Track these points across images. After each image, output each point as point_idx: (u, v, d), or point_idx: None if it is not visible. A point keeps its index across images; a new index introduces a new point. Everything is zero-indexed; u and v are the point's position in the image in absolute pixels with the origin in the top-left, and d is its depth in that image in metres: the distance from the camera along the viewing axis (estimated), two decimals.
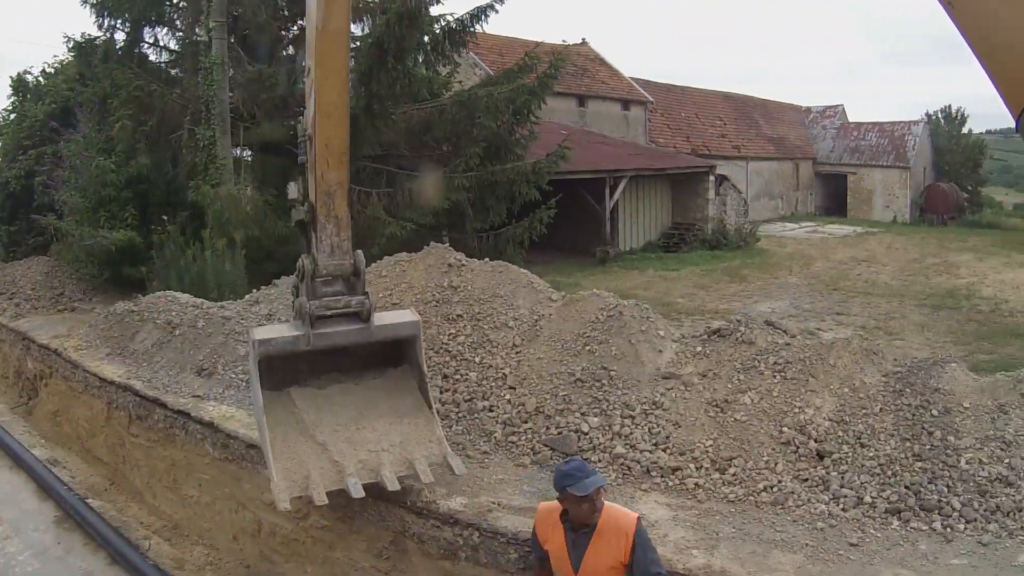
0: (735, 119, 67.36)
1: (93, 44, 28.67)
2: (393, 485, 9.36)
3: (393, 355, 10.47)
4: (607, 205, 39.68)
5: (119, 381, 15.34)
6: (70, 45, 29.54)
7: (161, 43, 30.02)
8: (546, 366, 11.80)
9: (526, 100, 26.04)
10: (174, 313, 16.83)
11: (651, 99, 56.24)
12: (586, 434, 10.69)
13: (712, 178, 46.81)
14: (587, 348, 11.78)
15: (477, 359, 12.29)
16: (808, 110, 79.20)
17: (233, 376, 14.28)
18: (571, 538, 7.06)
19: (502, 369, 12.05)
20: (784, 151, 69.75)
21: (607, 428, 10.66)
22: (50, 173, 27.67)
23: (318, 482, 9.19)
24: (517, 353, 12.26)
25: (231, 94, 24.93)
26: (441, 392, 11.89)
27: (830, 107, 78.22)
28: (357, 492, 9.21)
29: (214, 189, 23.36)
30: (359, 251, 9.71)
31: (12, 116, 35.95)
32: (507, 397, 11.63)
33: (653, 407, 10.76)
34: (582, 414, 10.94)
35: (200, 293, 19.44)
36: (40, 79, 35.59)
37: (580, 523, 6.99)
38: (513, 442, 11.02)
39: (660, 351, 11.67)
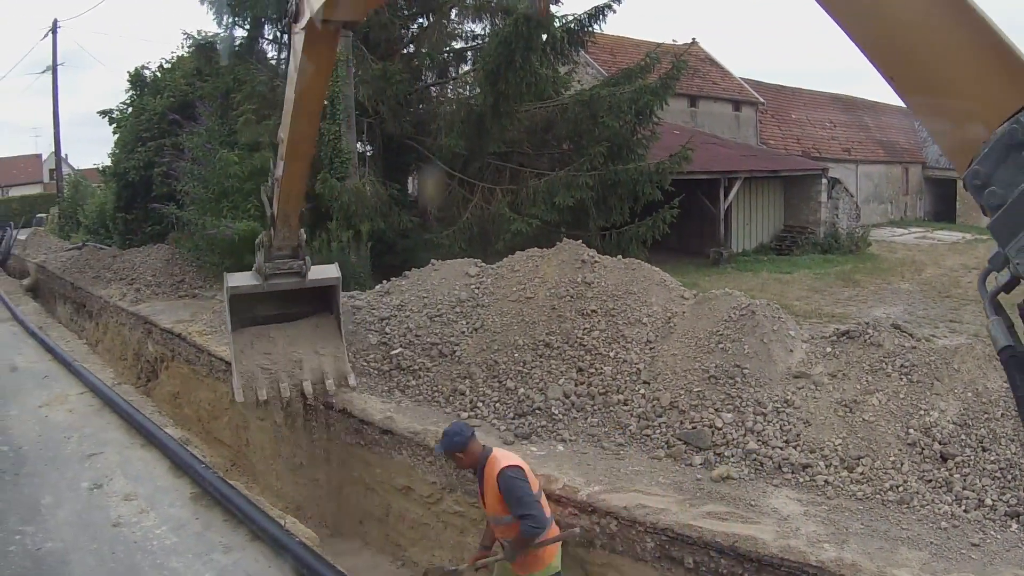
0: (845, 121, 66.12)
1: (212, 41, 29.13)
2: (309, 393, 13.79)
3: (324, 303, 14.81)
4: (721, 206, 39.52)
5: None
6: (189, 42, 30.07)
7: (281, 40, 30.42)
8: (680, 362, 11.89)
9: (648, 101, 25.87)
10: None
11: (762, 100, 55.87)
12: (719, 429, 10.77)
13: (825, 181, 46.00)
14: (720, 346, 11.83)
15: (612, 354, 12.47)
16: None
17: (365, 364, 14.52)
18: (478, 483, 9.14)
19: (636, 364, 12.20)
20: (894, 154, 68.27)
21: (740, 424, 10.75)
22: (171, 164, 28.10)
23: (262, 386, 13.90)
24: (651, 349, 12.40)
25: (355, 90, 25.13)
26: (576, 385, 12.19)
27: None
28: (285, 393, 13.85)
29: (339, 183, 23.59)
30: (303, 230, 14.12)
31: (129, 110, 36.72)
32: (641, 392, 11.77)
33: (785, 405, 10.82)
34: (716, 410, 11.03)
35: None
36: (157, 74, 36.23)
37: (470, 469, 9.33)
38: (648, 435, 11.16)
39: (791, 351, 11.72)
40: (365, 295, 16.75)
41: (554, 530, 9.04)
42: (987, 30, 3.58)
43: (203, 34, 29.55)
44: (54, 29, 61.70)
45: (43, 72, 63.20)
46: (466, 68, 29.92)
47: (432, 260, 16.56)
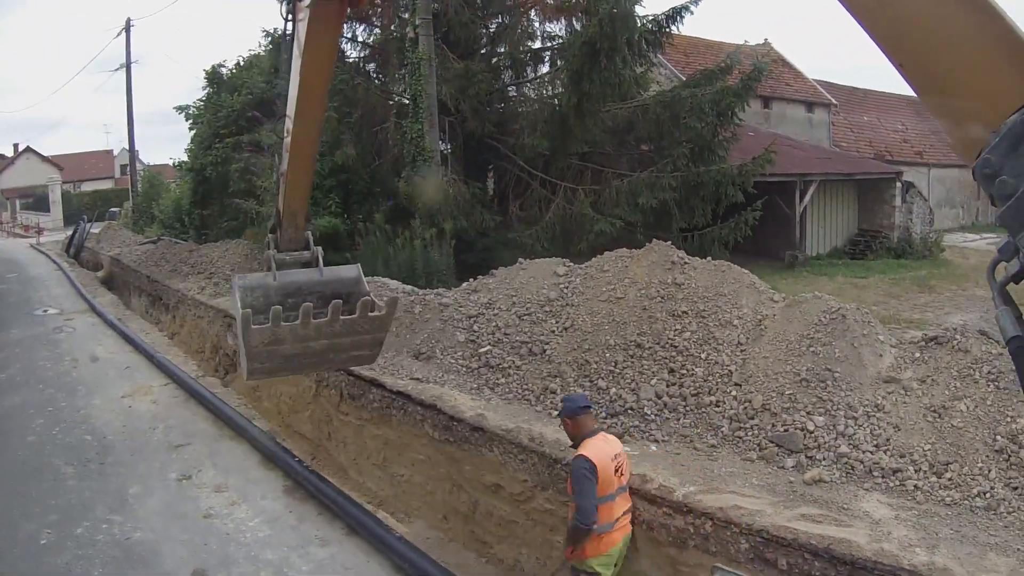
0: (917, 123, 64.77)
1: (285, 40, 29.26)
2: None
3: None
4: (797, 209, 39.41)
5: None
6: (267, 40, 30.35)
7: (359, 39, 30.67)
8: (771, 365, 11.90)
9: (731, 102, 26.21)
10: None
11: (835, 102, 55.60)
12: (811, 432, 10.77)
13: (899, 185, 45.87)
14: (811, 349, 11.80)
15: (703, 355, 12.51)
16: None
17: (452, 361, 14.70)
18: None
19: (728, 366, 12.24)
20: None
21: (831, 428, 10.74)
22: (248, 160, 28.32)
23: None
24: (742, 351, 12.43)
25: (437, 89, 25.27)
26: (668, 386, 12.24)
27: None
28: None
29: (423, 181, 23.75)
30: (309, 231, 13.24)
31: (204, 107, 37.02)
32: (733, 393, 11.81)
33: (875, 409, 10.79)
34: (807, 413, 11.02)
35: (408, 280, 20.25)
36: (233, 72, 36.52)
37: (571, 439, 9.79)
38: (740, 437, 11.20)
39: (880, 355, 11.66)
40: (452, 293, 16.85)
41: (604, 537, 9.30)
42: (997, 18, 3.62)
43: (277, 30, 29.54)
44: (127, 27, 63.11)
45: (116, 70, 64.15)
46: (543, 69, 30.15)
47: (519, 259, 16.59)
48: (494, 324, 14.90)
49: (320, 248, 13.12)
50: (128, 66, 63.03)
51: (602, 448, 9.39)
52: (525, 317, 14.64)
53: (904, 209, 46.09)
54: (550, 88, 28.61)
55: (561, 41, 29.00)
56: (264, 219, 25.96)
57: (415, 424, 13.61)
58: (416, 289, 18.51)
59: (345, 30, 29.44)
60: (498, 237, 25.93)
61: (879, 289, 32.14)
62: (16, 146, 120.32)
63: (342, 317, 11.81)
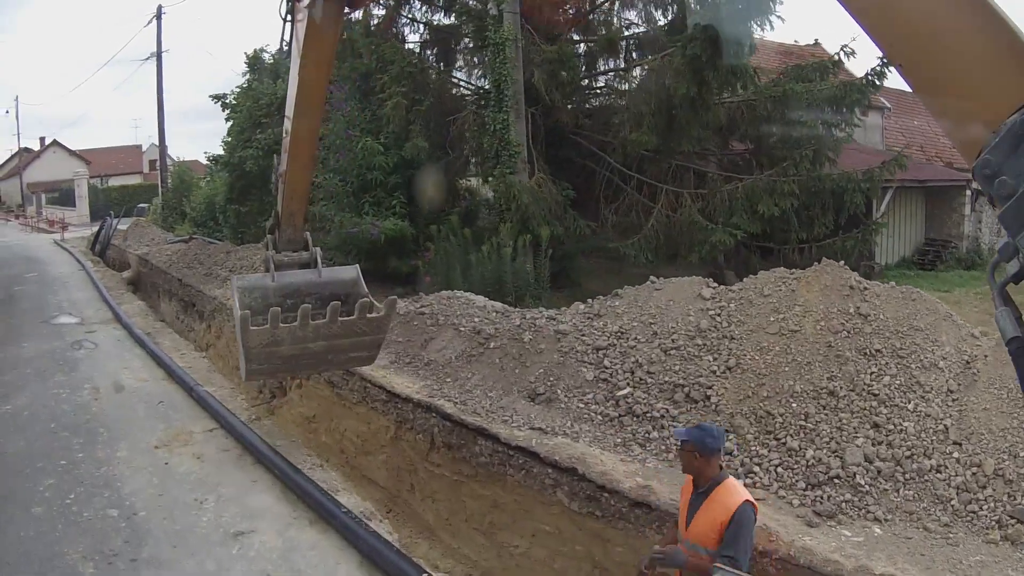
0: None
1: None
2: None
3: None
4: (874, 217, 37.32)
5: (420, 399, 13.51)
6: None
7: (421, 20, 28.35)
8: (995, 419, 9.89)
9: (855, 99, 24.24)
10: (477, 319, 15.02)
11: (888, 105, 53.62)
12: None
13: (969, 192, 43.80)
14: None
15: (910, 406, 10.30)
16: None
17: (581, 406, 12.21)
18: (692, 498, 7.80)
19: (942, 420, 10.10)
20: None
21: None
22: None
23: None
24: (955, 400, 10.32)
25: (525, 74, 23.28)
26: (874, 445, 10.01)
27: None
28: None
29: (511, 178, 21.61)
30: (307, 233, 13.01)
31: (243, 95, 35.35)
32: (955, 455, 9.71)
33: None
34: None
35: (493, 295, 18.03)
36: (276, 57, 34.92)
37: (695, 479, 7.83)
38: (973, 512, 9.13)
39: None
40: (567, 316, 14.38)
41: None
42: (996, 18, 3.60)
43: None
44: (159, 15, 61.03)
45: (146, 59, 62.75)
46: (635, 56, 27.95)
47: (651, 277, 14.28)
48: (632, 359, 12.49)
49: (319, 249, 13.13)
50: (159, 55, 61.03)
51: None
52: (672, 352, 12.25)
53: (973, 218, 44.36)
54: (654, 78, 25.80)
55: (651, 29, 27.05)
56: (316, 220, 23.83)
57: (543, 489, 11.06)
58: (508, 308, 15.98)
59: (403, 11, 27.57)
60: (579, 246, 23.74)
61: (973, 305, 29.77)
62: (43, 139, 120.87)
63: (340, 319, 11.78)
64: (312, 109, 11.60)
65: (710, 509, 7.55)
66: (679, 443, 8.09)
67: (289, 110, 11.79)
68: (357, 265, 13.69)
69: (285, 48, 11.79)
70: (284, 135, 12.27)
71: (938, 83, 3.89)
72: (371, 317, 12.02)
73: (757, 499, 8.84)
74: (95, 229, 55.34)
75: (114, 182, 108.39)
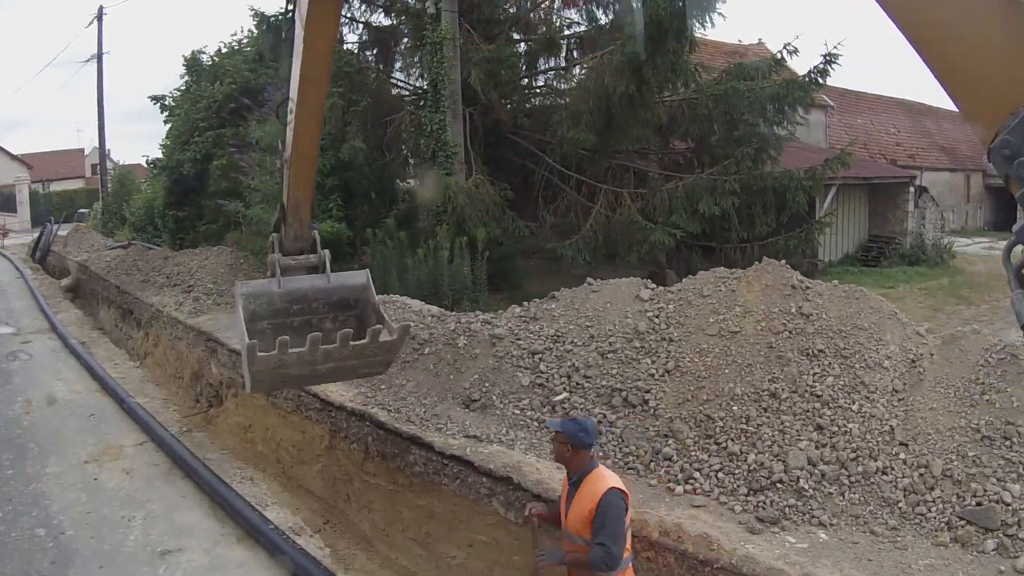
0: (908, 126, 64.71)
1: (286, 18, 26.73)
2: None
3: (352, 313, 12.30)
4: (818, 214, 37.45)
5: (353, 407, 13.33)
6: (256, 21, 27.62)
7: (360, 19, 28.03)
8: (941, 418, 9.80)
9: (797, 97, 24.25)
10: (413, 324, 14.46)
11: (831, 103, 53.86)
12: (1008, 505, 8.76)
13: (912, 189, 44.67)
14: (985, 398, 9.78)
15: (854, 407, 10.16)
16: None
17: (517, 412, 12.03)
18: (568, 488, 8.10)
19: (887, 421, 9.96)
20: (956, 162, 67.10)
21: None
22: (238, 155, 26.14)
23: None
24: (900, 400, 10.21)
25: (463, 74, 23.13)
26: (818, 448, 9.86)
27: None
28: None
29: (448, 180, 21.44)
30: (315, 230, 12.33)
31: (182, 97, 35.13)
32: (901, 456, 9.57)
33: None
34: (998, 480, 9.02)
35: (430, 299, 17.84)
36: (215, 59, 34.68)
37: (567, 470, 8.17)
38: (922, 514, 9.01)
39: None
40: (502, 320, 14.10)
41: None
42: (1015, 1, 3.63)
43: (257, 11, 26.68)
44: (99, 16, 60.41)
45: (87, 61, 62.32)
46: (576, 55, 27.83)
47: (588, 279, 14.06)
48: (569, 363, 12.28)
49: (327, 252, 12.31)
50: (100, 57, 60.36)
51: (614, 474, 8.39)
52: (610, 355, 12.00)
53: (917, 214, 44.95)
54: (592, 77, 25.65)
55: (591, 26, 27.03)
56: (250, 222, 23.55)
57: (478, 499, 10.87)
58: (444, 312, 15.66)
59: (343, 11, 27.33)
60: (517, 247, 24.05)
61: (915, 301, 30.12)
62: None
63: (352, 343, 10.81)
64: (317, 87, 11.04)
65: (581, 499, 7.84)
66: (552, 433, 8.51)
67: (293, 91, 11.20)
68: (367, 271, 12.89)
69: (289, 14, 11.07)
70: (288, 116, 11.60)
71: (957, 66, 3.91)
72: (383, 341, 11.21)
73: (697, 506, 8.75)
74: (37, 235, 54.98)
75: (56, 187, 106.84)
